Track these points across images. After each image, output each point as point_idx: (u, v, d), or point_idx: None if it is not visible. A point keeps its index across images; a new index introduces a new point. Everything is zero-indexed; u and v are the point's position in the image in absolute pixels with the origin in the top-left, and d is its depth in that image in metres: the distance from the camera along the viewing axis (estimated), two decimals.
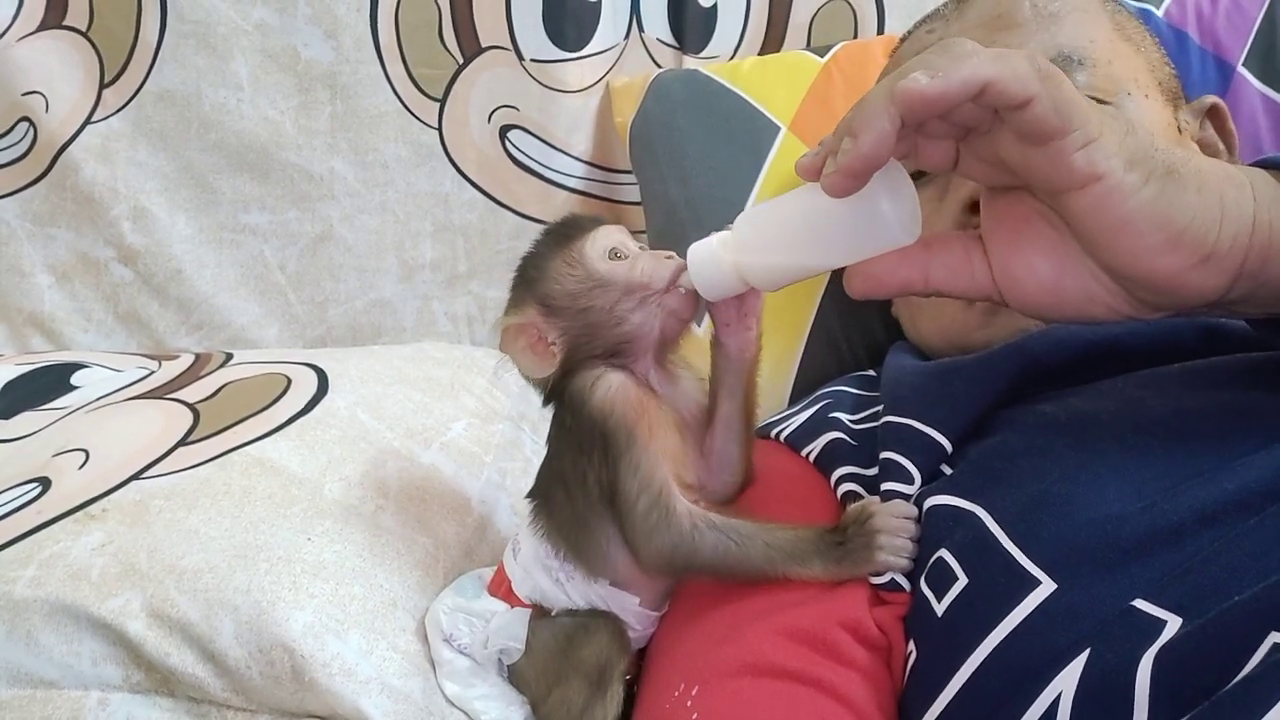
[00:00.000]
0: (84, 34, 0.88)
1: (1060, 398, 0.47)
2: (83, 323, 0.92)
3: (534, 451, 0.68)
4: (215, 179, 0.90)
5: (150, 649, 0.46)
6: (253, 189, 0.90)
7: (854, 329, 0.72)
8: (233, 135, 0.89)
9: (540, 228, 0.51)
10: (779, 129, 0.76)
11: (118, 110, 0.89)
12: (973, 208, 0.55)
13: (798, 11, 0.90)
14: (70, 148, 0.89)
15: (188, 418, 0.60)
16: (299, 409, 0.60)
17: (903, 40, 0.65)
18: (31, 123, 0.88)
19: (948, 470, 0.47)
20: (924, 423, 0.48)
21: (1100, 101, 0.54)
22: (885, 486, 0.46)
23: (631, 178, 0.91)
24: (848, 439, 0.52)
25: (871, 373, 0.64)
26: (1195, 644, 0.33)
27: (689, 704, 0.42)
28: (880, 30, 0.89)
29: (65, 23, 0.88)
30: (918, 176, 0.59)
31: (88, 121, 0.89)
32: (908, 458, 0.47)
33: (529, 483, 0.64)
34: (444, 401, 0.65)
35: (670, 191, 0.77)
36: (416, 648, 0.49)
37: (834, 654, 0.42)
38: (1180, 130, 0.57)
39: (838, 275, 0.70)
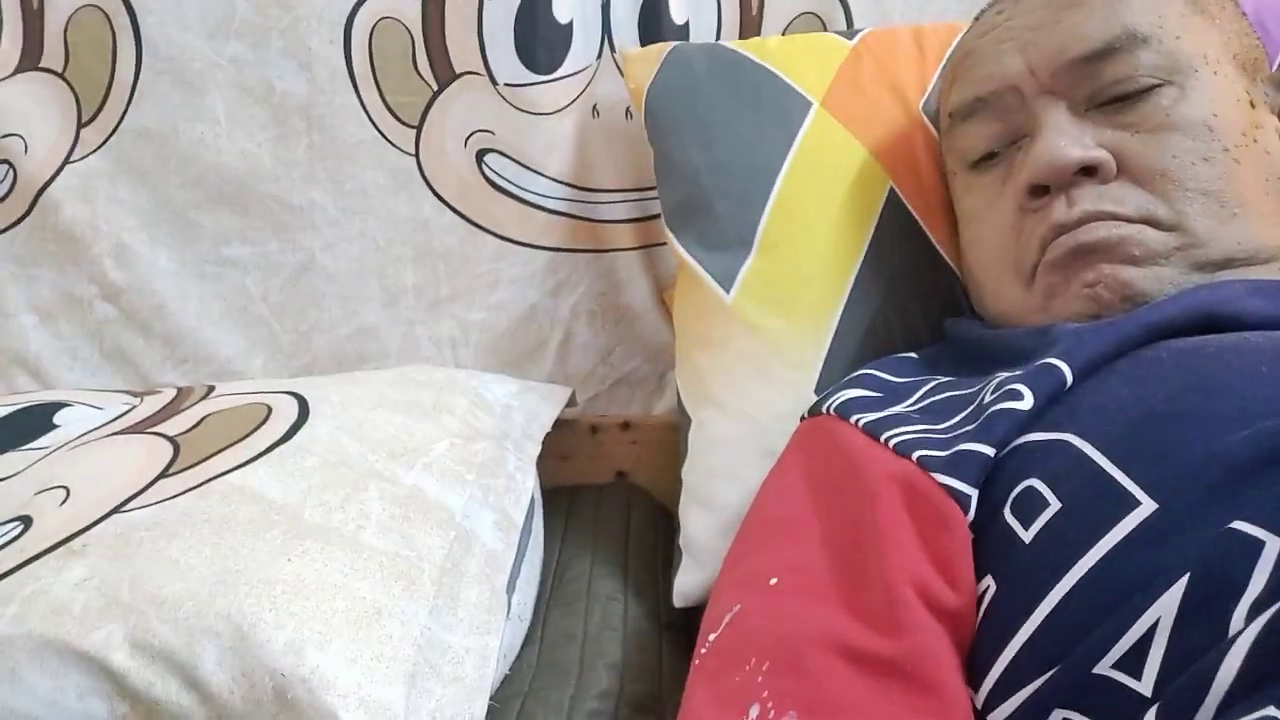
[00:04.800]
0: (60, 75, 0.89)
1: (1167, 345, 0.47)
2: (69, 361, 0.92)
3: (517, 468, 0.68)
4: (195, 213, 0.90)
5: (134, 680, 0.46)
6: (233, 222, 0.91)
7: (893, 310, 0.70)
8: (211, 169, 0.89)
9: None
10: (811, 103, 0.75)
11: (96, 149, 0.89)
12: (1032, 192, 0.56)
13: (767, 27, 0.91)
14: (50, 188, 0.89)
15: (168, 450, 0.60)
16: (279, 436, 0.60)
17: (976, 19, 0.65)
18: (11, 165, 0.89)
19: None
20: (1050, 356, 0.48)
21: (1163, 83, 0.55)
22: (995, 409, 0.46)
23: (611, 196, 0.92)
24: (914, 413, 0.52)
25: (913, 355, 0.64)
26: None
27: (759, 680, 0.41)
28: None
29: (41, 65, 0.89)
30: (987, 158, 0.61)
31: (66, 161, 0.89)
32: (1023, 382, 0.47)
33: (512, 499, 0.65)
34: (426, 423, 0.65)
35: (693, 159, 0.75)
36: (404, 653, 0.48)
37: (902, 628, 0.40)
38: (1253, 105, 0.57)
39: (874, 254, 0.71)
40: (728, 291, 0.71)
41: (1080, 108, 0.57)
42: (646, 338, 0.93)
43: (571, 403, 0.86)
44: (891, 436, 0.50)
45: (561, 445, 0.86)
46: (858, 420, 0.53)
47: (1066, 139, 0.55)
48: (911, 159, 0.73)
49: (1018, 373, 0.49)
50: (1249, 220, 0.54)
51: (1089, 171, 0.55)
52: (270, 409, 0.65)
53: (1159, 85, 0.55)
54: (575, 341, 0.93)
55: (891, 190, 0.72)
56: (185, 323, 0.91)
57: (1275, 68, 0.69)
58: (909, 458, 0.47)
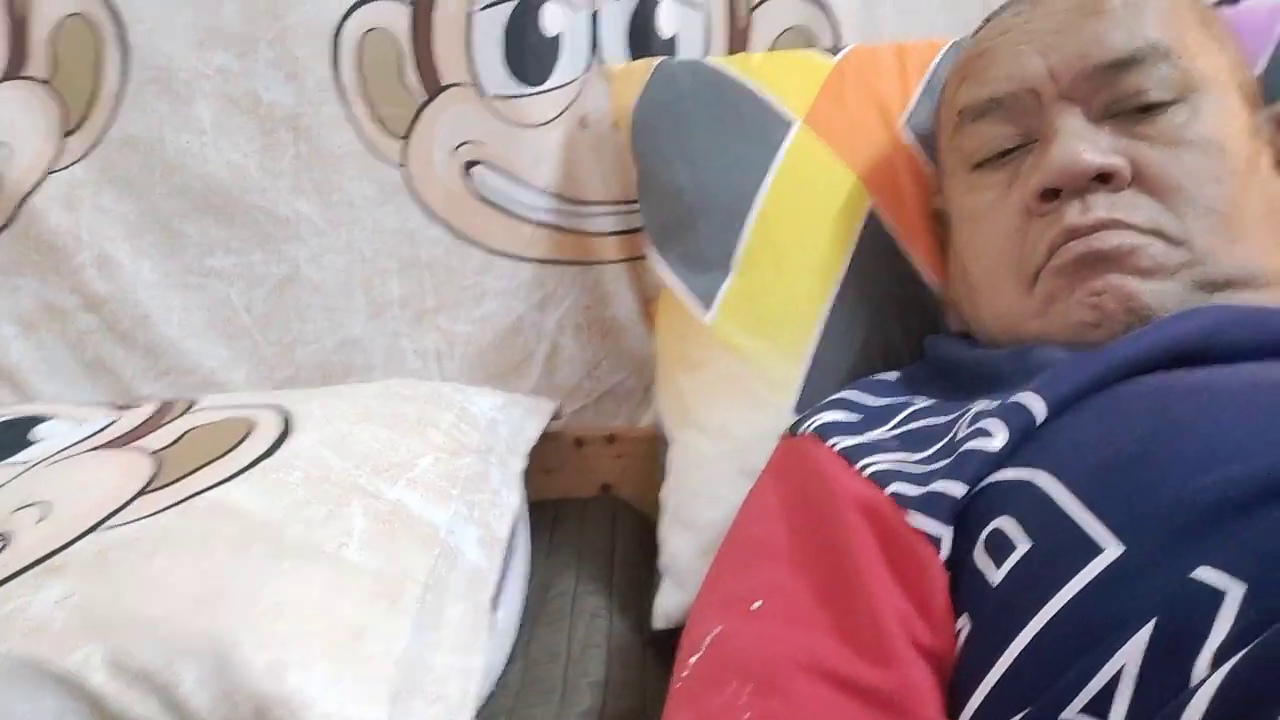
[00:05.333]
0: (46, 83, 0.88)
1: (1142, 380, 0.47)
2: (48, 371, 0.91)
3: (502, 483, 0.68)
4: (180, 223, 0.90)
5: (112, 702, 0.46)
6: (218, 232, 0.90)
7: (873, 329, 0.70)
8: (197, 179, 0.89)
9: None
10: (793, 122, 0.75)
11: (81, 158, 0.89)
12: (1044, 196, 0.56)
13: (755, 41, 0.91)
14: (33, 197, 0.88)
15: (149, 466, 0.60)
16: (262, 451, 0.60)
17: (986, 22, 0.65)
18: None
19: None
20: (1025, 390, 0.47)
21: (1178, 100, 0.55)
22: (967, 447, 0.46)
23: (598, 209, 0.92)
24: (891, 440, 0.52)
25: (893, 375, 0.64)
26: (1258, 632, 0.31)
27: (742, 702, 0.41)
28: None
29: (26, 73, 0.88)
30: (999, 156, 0.60)
31: (50, 170, 0.88)
32: (996, 417, 0.46)
33: (497, 514, 0.65)
34: (410, 437, 0.65)
35: (677, 177, 0.75)
36: (387, 672, 0.48)
37: (890, 659, 0.40)
38: (1254, 134, 0.58)
39: (853, 273, 0.71)
40: (707, 311, 0.71)
41: (1096, 115, 0.56)
42: (633, 350, 0.93)
43: (557, 416, 0.86)
44: (868, 465, 0.49)
45: (546, 459, 0.85)
46: (835, 444, 0.53)
47: (1084, 144, 0.55)
48: (893, 177, 0.73)
49: (992, 406, 0.48)
50: (1250, 245, 0.54)
51: (1103, 178, 0.54)
52: (253, 423, 0.64)
53: (1174, 101, 0.55)
54: (561, 354, 0.93)
55: (872, 209, 0.72)
56: (168, 334, 0.91)
57: (1257, 76, 0.70)
58: (884, 490, 0.47)
